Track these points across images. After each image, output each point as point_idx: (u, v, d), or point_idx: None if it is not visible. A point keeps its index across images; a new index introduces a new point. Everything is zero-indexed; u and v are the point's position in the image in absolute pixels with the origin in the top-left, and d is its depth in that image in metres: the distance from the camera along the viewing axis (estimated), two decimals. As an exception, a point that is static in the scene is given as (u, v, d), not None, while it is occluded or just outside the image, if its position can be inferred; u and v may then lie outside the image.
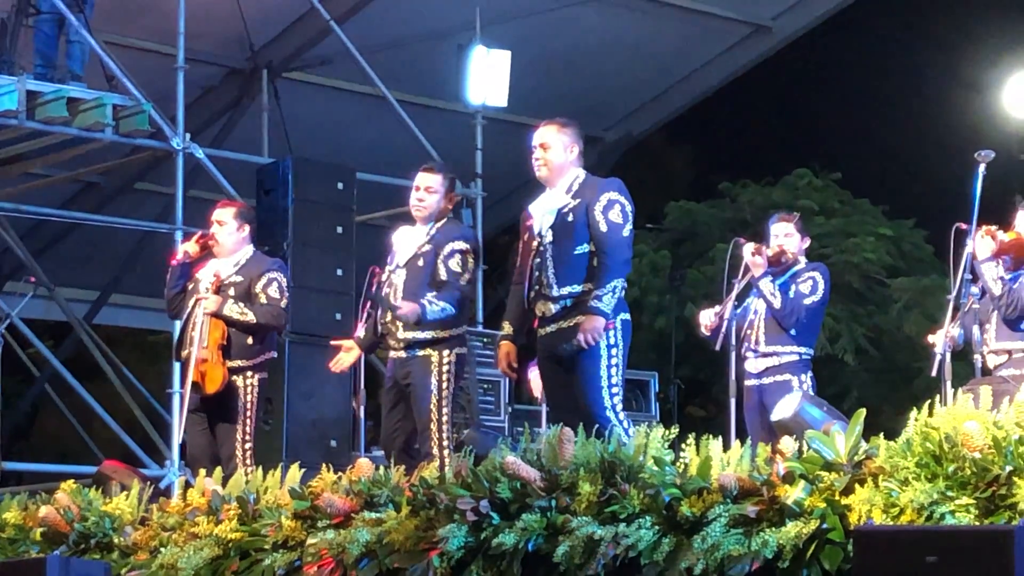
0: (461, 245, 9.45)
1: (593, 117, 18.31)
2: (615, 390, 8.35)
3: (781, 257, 10.51)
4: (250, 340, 10.23)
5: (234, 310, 10.16)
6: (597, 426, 7.55)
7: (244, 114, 16.90)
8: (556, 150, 8.52)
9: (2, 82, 13.29)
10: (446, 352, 9.41)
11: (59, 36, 13.83)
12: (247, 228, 10.50)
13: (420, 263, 9.41)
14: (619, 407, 8.34)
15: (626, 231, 8.42)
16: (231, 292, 10.23)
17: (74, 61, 13.81)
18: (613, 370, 8.37)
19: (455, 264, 9.42)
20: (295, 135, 16.09)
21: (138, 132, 13.83)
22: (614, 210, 8.39)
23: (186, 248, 10.53)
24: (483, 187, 16.25)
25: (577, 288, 8.41)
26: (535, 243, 8.55)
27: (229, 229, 10.44)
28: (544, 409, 11.88)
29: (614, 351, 8.38)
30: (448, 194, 9.60)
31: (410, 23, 16.39)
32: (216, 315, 10.14)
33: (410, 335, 9.35)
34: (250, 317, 10.17)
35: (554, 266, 8.46)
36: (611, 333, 8.37)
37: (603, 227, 8.36)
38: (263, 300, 10.22)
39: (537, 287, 8.52)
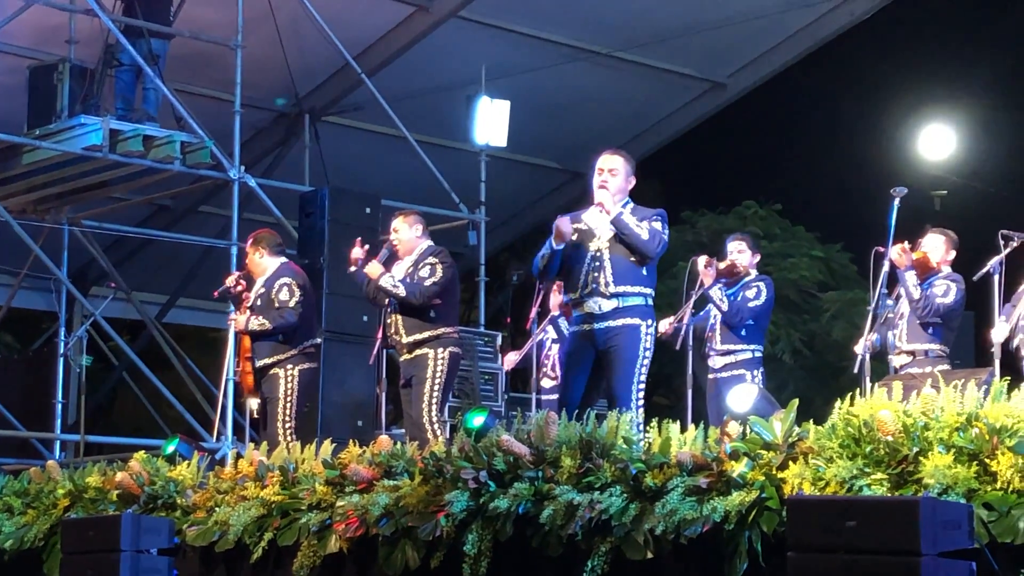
0: None
1: (577, 157, 18.33)
2: (642, 385, 8.29)
3: (733, 269, 10.44)
4: (280, 338, 10.27)
5: (254, 323, 10.20)
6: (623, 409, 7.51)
7: (290, 150, 16.87)
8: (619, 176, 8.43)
9: (90, 122, 13.32)
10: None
11: (137, 84, 13.82)
12: (266, 250, 10.53)
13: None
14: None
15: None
16: (258, 303, 10.26)
17: (149, 105, 13.80)
18: (643, 368, 8.32)
19: None
20: (331, 168, 16.08)
21: (201, 164, 13.83)
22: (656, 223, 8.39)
23: (227, 282, 10.61)
24: (485, 213, 16.23)
25: (631, 289, 8.40)
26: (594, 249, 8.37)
27: (254, 255, 10.53)
28: (534, 397, 11.90)
29: (647, 353, 8.37)
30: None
31: (427, 77, 16.39)
32: (243, 331, 10.21)
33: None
34: (267, 325, 10.19)
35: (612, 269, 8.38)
36: (647, 338, 8.37)
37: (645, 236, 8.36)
38: (276, 304, 10.24)
39: (594, 286, 8.37)
